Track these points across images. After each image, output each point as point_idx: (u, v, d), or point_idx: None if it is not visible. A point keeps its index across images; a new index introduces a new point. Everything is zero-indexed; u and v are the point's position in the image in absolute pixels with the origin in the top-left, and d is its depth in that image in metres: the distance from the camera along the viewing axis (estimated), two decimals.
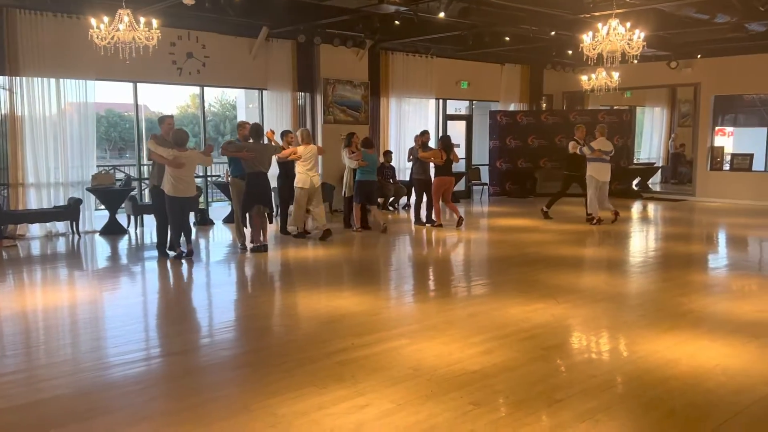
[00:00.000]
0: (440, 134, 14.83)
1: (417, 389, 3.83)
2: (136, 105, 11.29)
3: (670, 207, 13.63)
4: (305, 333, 5.12)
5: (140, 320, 5.56)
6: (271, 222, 8.62)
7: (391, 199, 13.08)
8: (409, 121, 14.15)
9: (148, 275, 7.46)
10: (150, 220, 10.93)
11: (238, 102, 17.42)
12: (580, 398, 3.73)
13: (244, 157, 8.03)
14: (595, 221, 10.82)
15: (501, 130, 15.87)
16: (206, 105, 13.54)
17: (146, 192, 10.59)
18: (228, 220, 11.20)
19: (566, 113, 16.30)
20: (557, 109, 17.12)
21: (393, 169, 12.98)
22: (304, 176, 9.06)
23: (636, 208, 14.07)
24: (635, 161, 20.23)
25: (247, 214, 8.37)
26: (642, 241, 9.91)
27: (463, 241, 9.46)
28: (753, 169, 14.87)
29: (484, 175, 15.82)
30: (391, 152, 13.09)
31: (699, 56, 14.00)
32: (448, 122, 15.50)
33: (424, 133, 11.13)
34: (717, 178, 14.90)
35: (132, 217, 10.47)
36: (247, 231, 8.61)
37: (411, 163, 11.21)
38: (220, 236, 10.44)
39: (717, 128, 16.20)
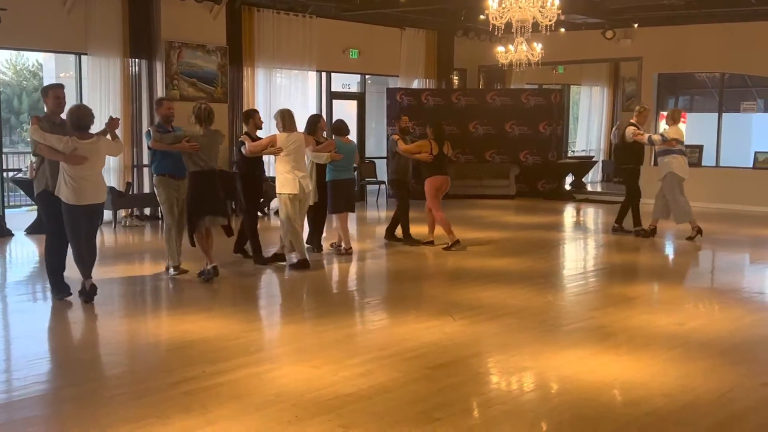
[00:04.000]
0: (332, 118, 15.58)
1: (278, 416, 4.52)
2: None
3: (607, 210, 15.13)
4: (145, 362, 5.70)
5: None
6: (230, 235, 8.59)
7: (261, 200, 13.64)
8: (282, 98, 14.79)
9: None
10: None
11: (45, 69, 17.37)
12: (460, 416, 4.59)
13: (188, 149, 7.93)
14: (695, 232, 11.00)
15: (402, 114, 16.79)
16: None
17: None
18: (33, 231, 11.27)
19: (483, 93, 17.65)
20: (472, 87, 18.45)
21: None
22: (291, 178, 8.68)
23: (567, 212, 15.51)
24: (569, 154, 22.07)
25: (195, 229, 8.12)
26: (567, 250, 11.15)
27: (353, 255, 10.22)
28: (703, 164, 16.78)
29: (381, 171, 16.63)
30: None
31: (636, 25, 15.71)
32: (334, 102, 16.34)
33: (402, 118, 11.33)
34: None
35: None
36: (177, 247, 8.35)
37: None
38: (25, 252, 10.59)
39: (663, 113, 18.13)
